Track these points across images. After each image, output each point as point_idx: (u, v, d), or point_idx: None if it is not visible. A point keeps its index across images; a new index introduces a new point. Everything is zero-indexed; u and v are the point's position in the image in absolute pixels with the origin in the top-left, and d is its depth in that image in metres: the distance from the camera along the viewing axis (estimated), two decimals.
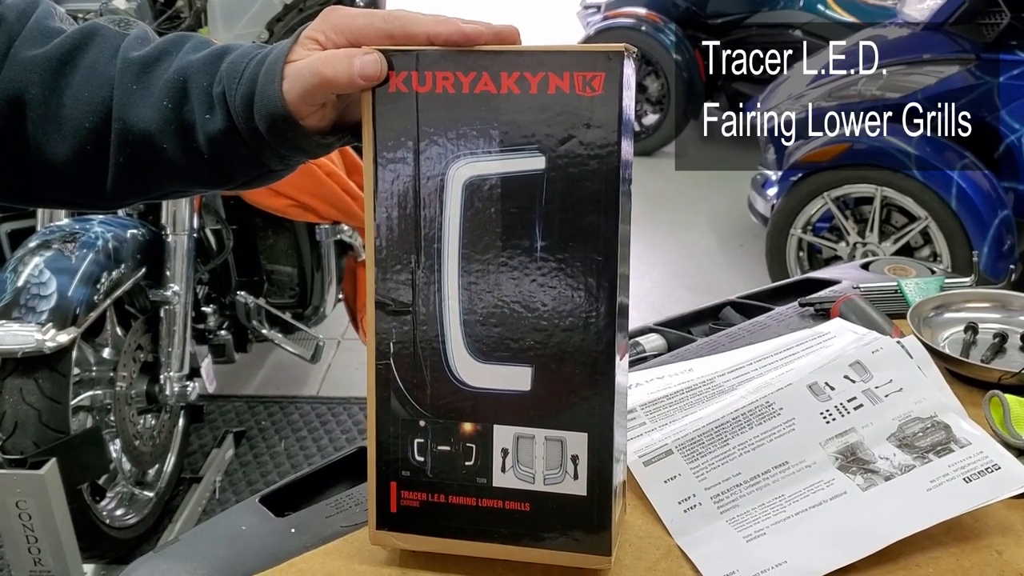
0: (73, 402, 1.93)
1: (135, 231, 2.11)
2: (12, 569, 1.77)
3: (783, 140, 3.59)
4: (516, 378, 0.64)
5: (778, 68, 5.16)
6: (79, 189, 0.72)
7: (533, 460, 0.65)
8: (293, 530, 0.76)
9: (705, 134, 6.24)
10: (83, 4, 2.19)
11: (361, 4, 2.49)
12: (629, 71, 0.61)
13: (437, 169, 0.62)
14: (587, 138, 0.60)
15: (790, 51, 5.44)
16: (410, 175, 0.63)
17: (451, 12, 0.64)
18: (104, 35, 0.70)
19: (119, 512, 2.16)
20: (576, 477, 0.65)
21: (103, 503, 2.08)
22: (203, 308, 2.45)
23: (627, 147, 0.62)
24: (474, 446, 0.66)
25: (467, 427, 0.66)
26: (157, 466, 2.30)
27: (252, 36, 2.29)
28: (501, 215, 0.62)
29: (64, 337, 1.82)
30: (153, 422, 2.27)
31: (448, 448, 0.66)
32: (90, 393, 2.09)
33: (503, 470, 0.66)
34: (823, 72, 3.67)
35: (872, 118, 3.35)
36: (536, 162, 0.61)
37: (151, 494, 2.25)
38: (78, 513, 1.86)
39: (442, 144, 0.62)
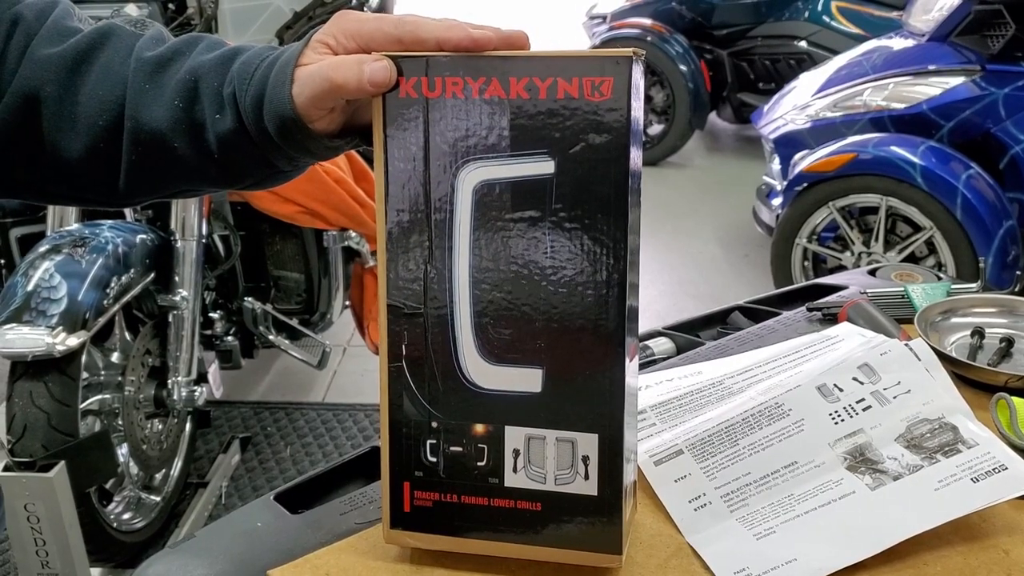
0: (82, 406, 1.94)
1: (144, 236, 2.13)
2: (20, 571, 1.77)
3: (788, 150, 3.60)
4: (527, 380, 0.65)
5: (783, 78, 5.19)
6: (92, 186, 0.73)
7: (544, 460, 0.66)
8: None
9: (710, 144, 6.28)
10: (95, 11, 2.21)
11: (368, 9, 2.50)
12: (638, 75, 0.61)
13: (447, 173, 0.63)
14: (596, 142, 0.61)
15: (795, 61, 5.47)
16: (421, 179, 0.64)
17: (460, 17, 0.65)
18: (120, 35, 0.71)
19: (126, 516, 2.16)
20: (587, 477, 0.65)
21: (110, 507, 2.08)
22: (210, 314, 2.46)
23: (636, 155, 0.62)
24: (486, 447, 0.67)
25: (479, 428, 0.66)
26: (164, 471, 2.31)
27: (262, 44, 2.30)
28: (511, 219, 0.63)
29: (74, 341, 1.83)
30: (160, 427, 2.28)
31: (460, 449, 0.67)
32: (99, 397, 2.10)
33: (514, 470, 0.66)
34: (828, 82, 3.69)
35: (878, 128, 3.36)
36: (546, 166, 0.62)
37: (158, 499, 2.26)
38: (86, 516, 1.86)
39: (452, 149, 0.63)
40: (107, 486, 2.02)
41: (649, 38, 5.60)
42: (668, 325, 1.17)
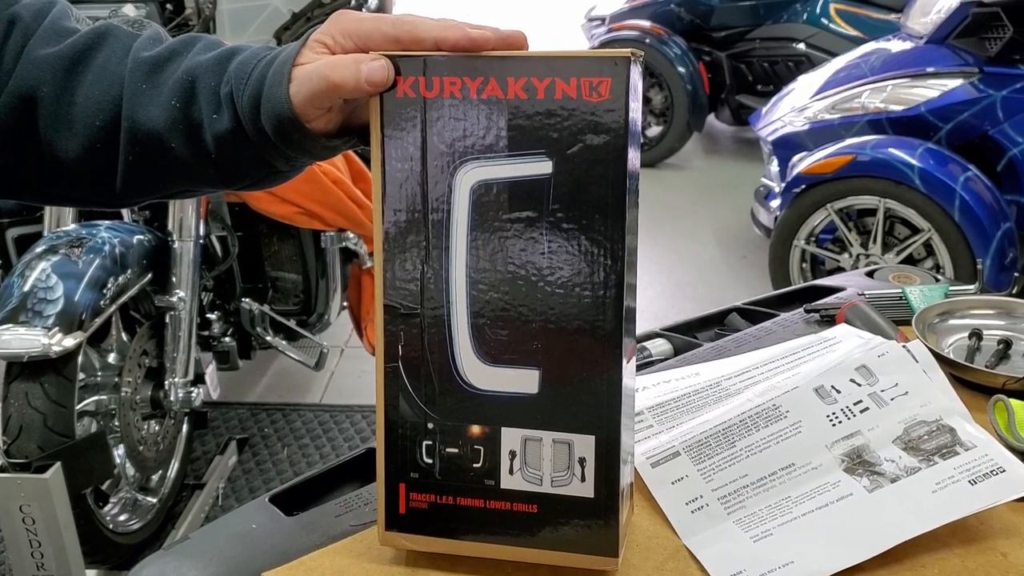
0: (78, 407, 1.94)
1: (141, 237, 2.12)
2: (15, 573, 1.77)
3: (786, 152, 3.60)
4: (523, 381, 0.65)
5: (782, 80, 5.19)
6: (89, 187, 0.73)
7: (541, 462, 0.66)
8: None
9: (708, 145, 6.28)
10: (93, 11, 2.20)
11: (367, 10, 2.50)
12: (636, 76, 0.61)
13: (445, 173, 0.63)
14: (594, 143, 0.61)
15: (793, 63, 5.48)
16: (418, 179, 0.63)
17: (458, 17, 0.65)
18: (117, 35, 0.71)
19: (122, 518, 2.16)
20: (583, 479, 0.65)
21: (106, 508, 2.08)
22: (208, 314, 2.46)
23: (634, 156, 0.62)
24: (482, 448, 0.66)
25: (475, 429, 0.66)
26: (160, 472, 2.30)
27: (259, 44, 2.30)
28: (508, 219, 0.63)
29: (70, 341, 1.83)
30: (157, 428, 2.28)
31: (456, 450, 0.67)
32: (95, 398, 2.09)
33: (511, 472, 0.66)
34: (826, 85, 3.69)
35: (876, 130, 3.36)
36: (543, 167, 0.62)
37: (154, 500, 2.25)
38: (81, 518, 1.86)
39: (450, 149, 0.63)
40: (103, 487, 2.02)
41: (648, 40, 5.60)
42: (666, 326, 1.17)
